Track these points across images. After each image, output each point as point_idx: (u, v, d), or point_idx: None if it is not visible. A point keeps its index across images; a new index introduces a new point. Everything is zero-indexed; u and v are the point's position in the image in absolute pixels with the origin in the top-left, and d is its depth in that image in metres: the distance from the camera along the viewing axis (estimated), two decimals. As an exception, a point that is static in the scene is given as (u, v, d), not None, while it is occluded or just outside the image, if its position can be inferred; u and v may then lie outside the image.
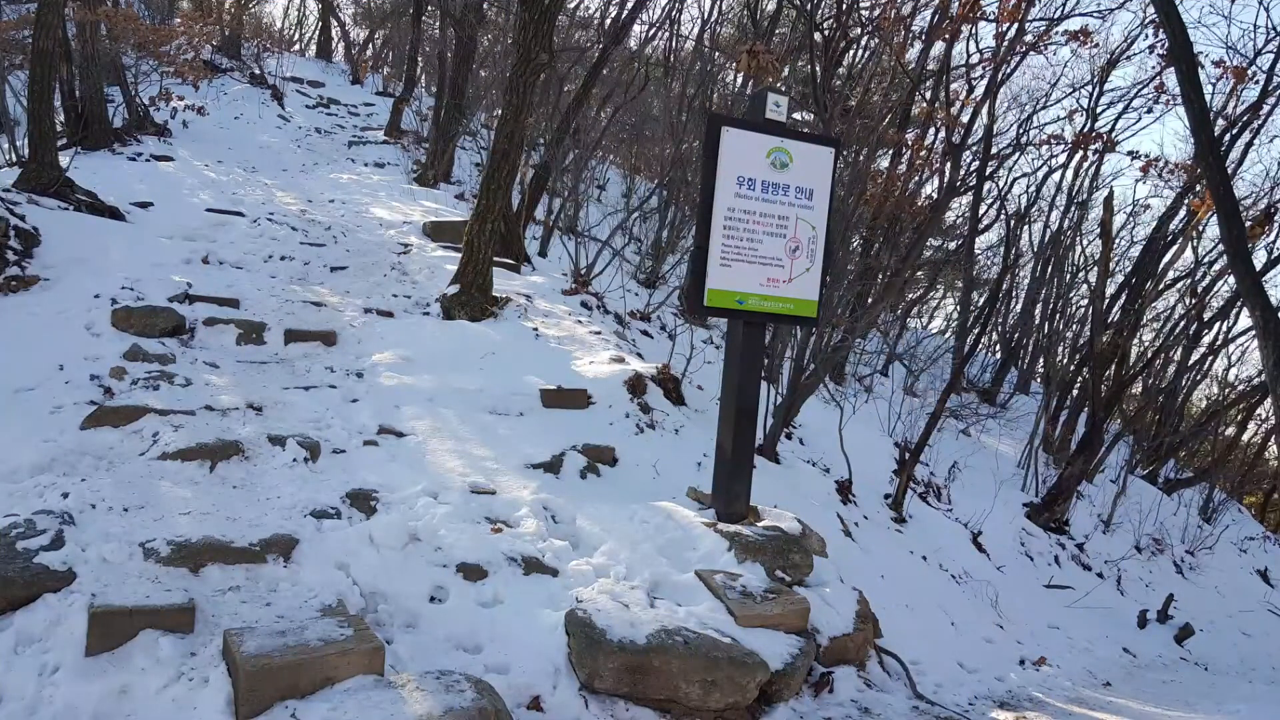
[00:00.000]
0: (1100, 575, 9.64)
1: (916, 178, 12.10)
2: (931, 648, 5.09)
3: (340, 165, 13.11)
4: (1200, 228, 13.54)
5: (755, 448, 7.04)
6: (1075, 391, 13.58)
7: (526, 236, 11.34)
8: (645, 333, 8.99)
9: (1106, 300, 12.30)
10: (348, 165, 13.20)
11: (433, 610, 3.89)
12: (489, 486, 4.87)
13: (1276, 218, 11.19)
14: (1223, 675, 7.22)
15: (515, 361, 6.57)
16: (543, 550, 4.39)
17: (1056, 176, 16.26)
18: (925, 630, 5.27)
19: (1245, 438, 18.39)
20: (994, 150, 13.06)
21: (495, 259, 9.11)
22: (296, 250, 8.04)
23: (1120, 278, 14.29)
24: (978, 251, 16.74)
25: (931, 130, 13.01)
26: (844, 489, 7.06)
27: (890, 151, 12.48)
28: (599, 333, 7.61)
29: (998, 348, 18.01)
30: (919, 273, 15.66)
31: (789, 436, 8.02)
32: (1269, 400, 17.64)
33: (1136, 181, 17.09)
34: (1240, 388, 17.30)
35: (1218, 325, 15.80)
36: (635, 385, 6.53)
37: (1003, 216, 15.73)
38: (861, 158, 10.99)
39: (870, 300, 9.57)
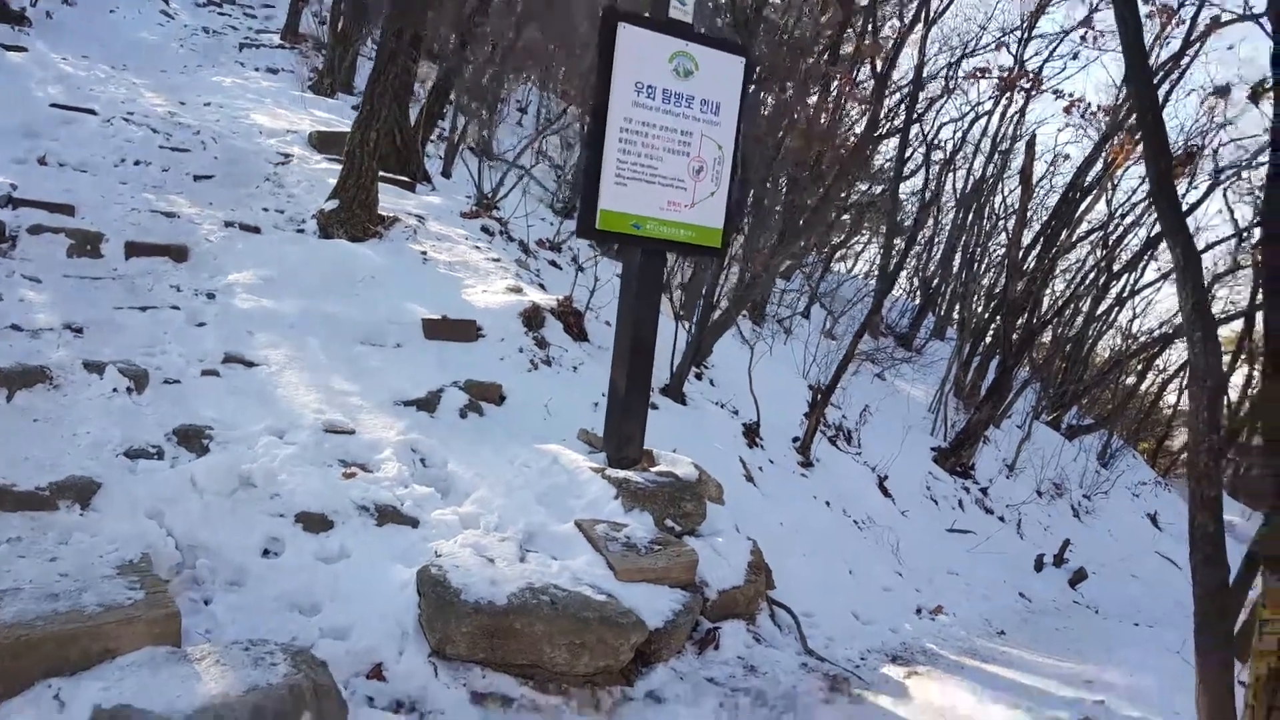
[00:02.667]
0: (1001, 519, 9.69)
1: (843, 113, 11.71)
2: (827, 598, 4.84)
3: (227, 69, 11.96)
4: (1115, 180, 13.60)
5: (663, 388, 6.69)
6: (988, 338, 13.63)
7: (430, 155, 10.57)
8: (553, 263, 8.44)
9: (1022, 249, 12.24)
10: (235, 69, 12.05)
11: (264, 566, 3.39)
12: (347, 425, 4.34)
13: (1200, 157, 11.21)
14: (1113, 620, 7.27)
15: (397, 287, 5.98)
16: (402, 498, 3.91)
17: (982, 124, 16.12)
18: (822, 579, 5.01)
19: (1144, 387, 18.97)
20: (922, 91, 12.76)
21: (388, 176, 8.40)
22: (155, 155, 7.17)
23: (1037, 226, 14.29)
24: (903, 196, 16.56)
25: (863, 69, 12.63)
26: (751, 432, 6.74)
27: (819, 88, 12.05)
28: (498, 260, 7.04)
29: (917, 293, 18.03)
30: (844, 215, 15.44)
31: (699, 377, 7.67)
32: (1168, 351, 18.16)
33: (1058, 130, 17.11)
34: (1142, 339, 17.75)
35: (1125, 277, 16.10)
36: (532, 318, 6.03)
37: (928, 162, 15.56)
38: (789, 92, 10.53)
39: (789, 237, 9.19)
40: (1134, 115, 10.42)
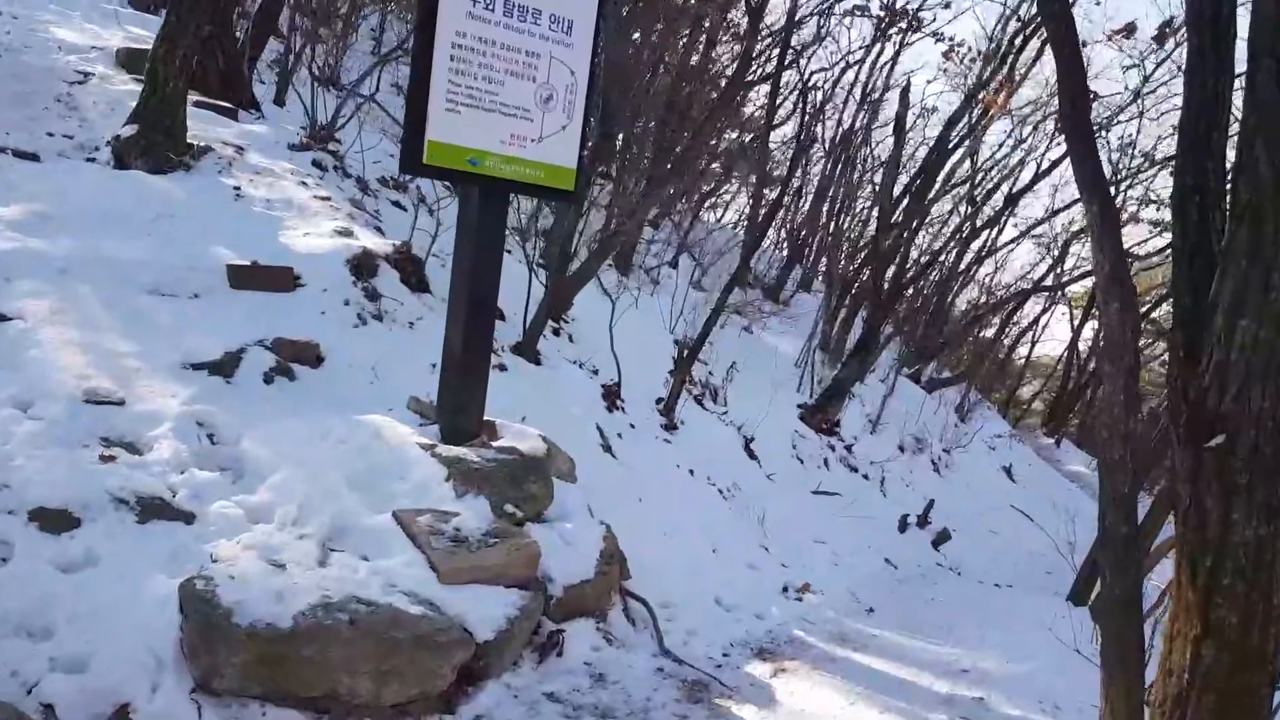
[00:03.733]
0: (866, 477, 9.67)
1: (715, 55, 11.22)
2: (689, 583, 4.44)
3: (25, -29, 10.23)
4: (982, 131, 13.73)
5: (515, 345, 6.07)
6: (854, 291, 13.63)
7: (266, 82, 9.40)
8: (397, 204, 7.60)
9: (893, 200, 12.17)
10: (36, -28, 10.33)
11: (-25, 581, 2.64)
12: (116, 394, 3.55)
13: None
14: (974, 582, 7.30)
15: (201, 227, 5.09)
16: (176, 486, 3.20)
17: (852, 73, 15.97)
18: (684, 562, 4.61)
19: (1002, 340, 19.74)
20: (796, 33, 12.39)
21: (206, 101, 7.32)
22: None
23: (905, 179, 14.32)
24: (773, 146, 16.28)
25: (737, 7, 12.12)
26: (611, 394, 6.26)
27: (690, 25, 11.49)
28: (327, 199, 6.18)
29: (785, 245, 17.95)
30: (714, 164, 15.05)
31: (557, 333, 7.09)
32: (1026, 305, 18.86)
33: (927, 82, 17.04)
34: (1000, 294, 18.33)
35: (986, 232, 16.46)
36: (362, 265, 5.28)
37: (799, 109, 15.30)
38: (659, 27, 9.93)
39: (657, 183, 8.68)
40: (1009, 63, 10.39)
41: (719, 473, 6.40)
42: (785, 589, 5.04)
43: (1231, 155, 2.36)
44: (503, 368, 5.44)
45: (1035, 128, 15.28)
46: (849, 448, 10.02)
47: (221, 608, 2.58)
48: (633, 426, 6.10)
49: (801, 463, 8.76)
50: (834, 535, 6.67)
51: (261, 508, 3.25)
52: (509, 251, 7.67)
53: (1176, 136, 2.57)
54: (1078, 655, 4.74)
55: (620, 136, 9.37)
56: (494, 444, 4.00)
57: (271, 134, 7.24)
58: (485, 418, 4.13)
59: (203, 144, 6.15)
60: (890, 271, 11.59)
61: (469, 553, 3.22)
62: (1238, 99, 2.38)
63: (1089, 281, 19.32)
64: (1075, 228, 18.61)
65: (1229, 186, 2.34)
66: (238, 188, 5.75)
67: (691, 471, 5.95)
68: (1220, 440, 2.33)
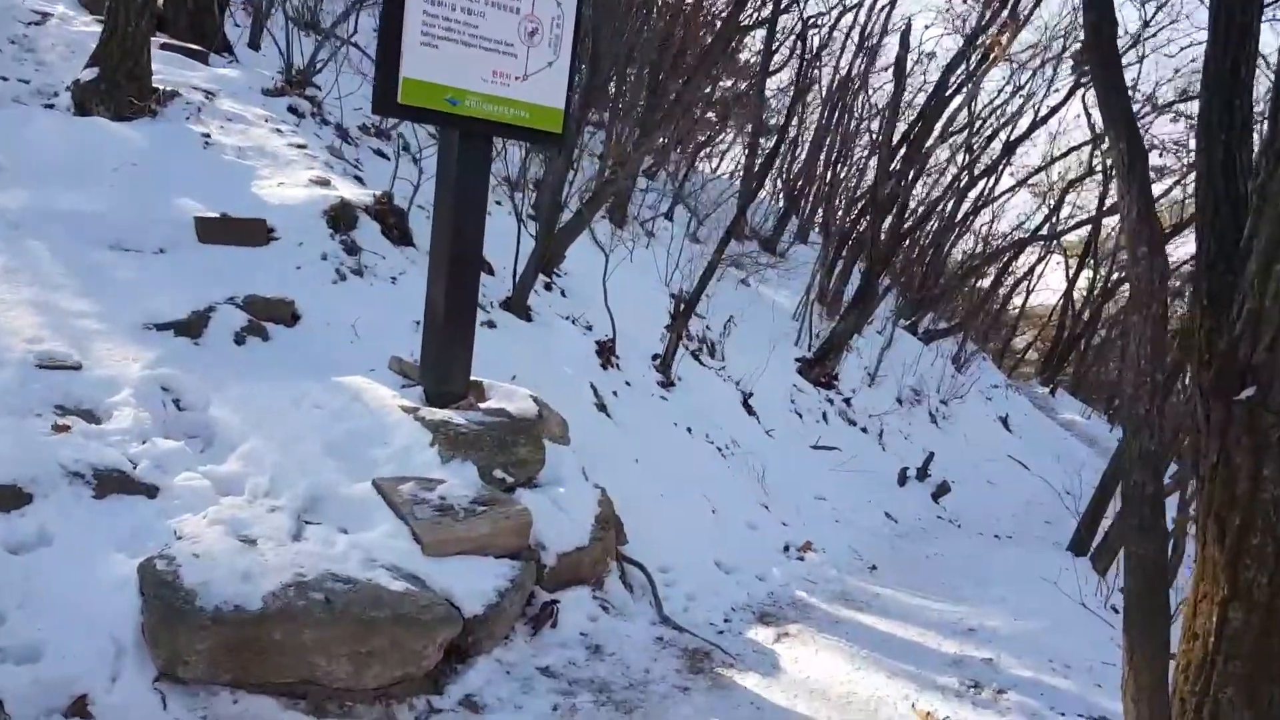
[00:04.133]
0: (864, 430, 9.51)
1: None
2: (688, 546, 4.25)
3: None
4: (981, 76, 13.34)
5: (505, 301, 5.81)
6: (851, 242, 13.34)
7: (240, 25, 8.95)
8: (379, 152, 7.26)
9: (892, 148, 11.82)
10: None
11: (-88, 566, 2.43)
12: (72, 358, 3.30)
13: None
14: (974, 534, 7.18)
15: (167, 177, 4.80)
16: (138, 457, 2.97)
17: (850, 17, 15.48)
18: (682, 524, 4.42)
19: (1000, 291, 19.53)
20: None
21: (174, 43, 6.94)
22: None
23: (903, 126, 13.95)
24: (769, 94, 15.82)
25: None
26: (606, 351, 6.02)
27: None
28: (303, 147, 5.86)
29: (781, 195, 17.59)
30: (709, 113, 14.65)
31: (549, 287, 6.83)
32: (1022, 255, 18.62)
33: (925, 27, 16.61)
34: (997, 243, 18.05)
35: (983, 181, 16.13)
36: (340, 216, 4.99)
37: (796, 54, 14.83)
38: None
39: (650, 128, 8.36)
40: (1011, 4, 9.99)
41: (717, 430, 6.20)
42: (787, 548, 4.88)
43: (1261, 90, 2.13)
44: (491, 325, 5.19)
45: (1034, 74, 14.92)
46: (847, 401, 9.84)
47: (184, 590, 2.37)
48: (628, 384, 5.88)
49: (800, 417, 8.59)
50: (834, 491, 6.51)
51: (231, 479, 3.03)
52: (498, 203, 7.38)
53: (1201, 71, 2.33)
54: (1084, 610, 4.62)
55: (613, 80, 9.00)
56: (482, 406, 3.78)
57: (244, 78, 6.86)
58: (472, 378, 3.91)
59: (169, 88, 5.80)
60: (888, 221, 11.29)
61: (455, 522, 3.02)
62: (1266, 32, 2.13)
63: (1084, 231, 19.09)
64: (1071, 176, 18.34)
65: (1265, 121, 2.12)
66: (207, 135, 5.43)
67: (689, 429, 5.75)
68: (1251, 393, 2.14)
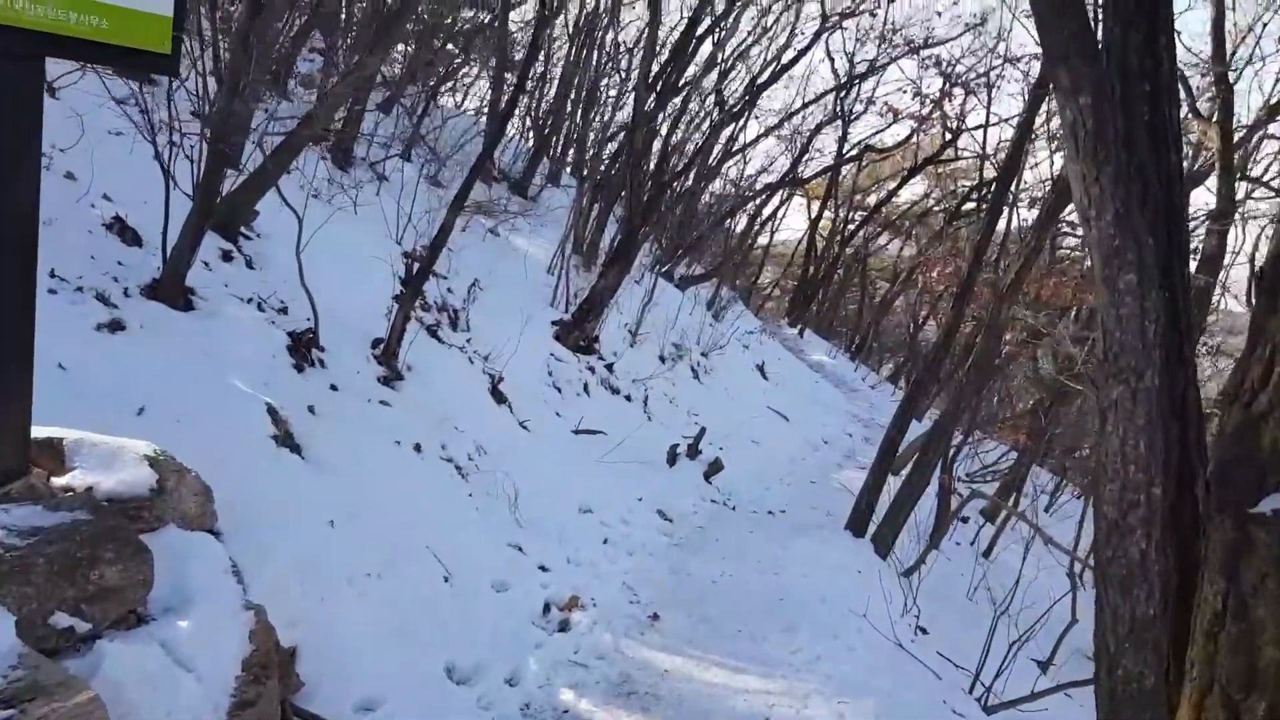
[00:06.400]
0: (628, 398, 8.76)
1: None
2: (407, 653, 3.07)
3: None
4: (738, 18, 12.81)
5: (149, 286, 4.20)
6: (601, 184, 12.47)
7: None
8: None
9: (649, 85, 10.96)
10: None
11: None
12: None
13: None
14: (749, 515, 6.62)
15: None
16: None
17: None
18: (400, 615, 3.20)
19: (760, 238, 19.68)
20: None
21: None
22: None
23: (655, 68, 13.16)
24: (513, 28, 14.39)
25: None
26: (303, 344, 4.61)
27: None
28: None
29: (531, 135, 16.32)
30: (450, 45, 13.01)
31: (229, 258, 5.25)
32: (773, 200, 18.76)
33: (678, -37, 15.90)
34: (744, 188, 18.03)
35: (732, 125, 15.85)
36: None
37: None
38: None
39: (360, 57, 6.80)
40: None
41: (458, 438, 5.01)
42: (547, 609, 3.86)
43: None
44: (119, 326, 3.63)
45: (778, 19, 14.71)
46: (609, 367, 9.02)
47: None
48: (335, 388, 4.53)
49: (560, 391, 7.61)
50: (600, 494, 5.59)
51: None
52: (138, 137, 5.45)
53: None
54: (903, 651, 4.08)
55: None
56: (57, 482, 2.37)
57: None
58: (46, 433, 2.47)
59: None
60: (650, 166, 10.48)
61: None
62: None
63: (828, 175, 19.64)
64: (816, 121, 18.72)
65: None
66: None
67: (417, 447, 4.50)
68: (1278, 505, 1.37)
